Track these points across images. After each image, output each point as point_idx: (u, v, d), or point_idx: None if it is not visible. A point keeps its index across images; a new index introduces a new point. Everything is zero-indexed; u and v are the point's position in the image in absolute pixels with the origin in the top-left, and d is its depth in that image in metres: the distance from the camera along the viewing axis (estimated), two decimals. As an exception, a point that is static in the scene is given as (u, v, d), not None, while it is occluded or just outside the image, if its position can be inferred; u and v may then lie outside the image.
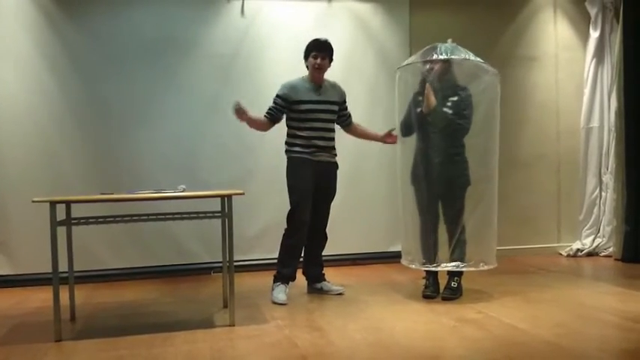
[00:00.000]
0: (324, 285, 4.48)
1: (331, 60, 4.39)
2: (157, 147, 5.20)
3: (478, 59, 4.12)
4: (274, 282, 4.33)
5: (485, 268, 4.14)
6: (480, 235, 4.18)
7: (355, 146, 5.57)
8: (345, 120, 4.53)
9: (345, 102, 4.50)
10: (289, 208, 4.29)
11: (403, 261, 4.37)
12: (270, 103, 4.31)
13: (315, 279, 4.49)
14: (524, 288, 4.46)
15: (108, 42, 5.13)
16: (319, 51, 4.30)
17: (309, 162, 4.28)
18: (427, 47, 4.18)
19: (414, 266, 4.20)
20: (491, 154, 4.24)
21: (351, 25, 5.62)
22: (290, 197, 4.29)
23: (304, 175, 4.26)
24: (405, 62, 4.36)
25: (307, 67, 4.36)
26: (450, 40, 4.18)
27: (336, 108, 4.41)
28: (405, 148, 4.35)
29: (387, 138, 4.54)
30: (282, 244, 4.34)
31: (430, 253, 4.18)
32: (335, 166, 4.46)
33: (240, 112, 4.08)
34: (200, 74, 5.28)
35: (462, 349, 3.07)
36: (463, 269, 4.11)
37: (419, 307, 3.98)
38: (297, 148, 4.30)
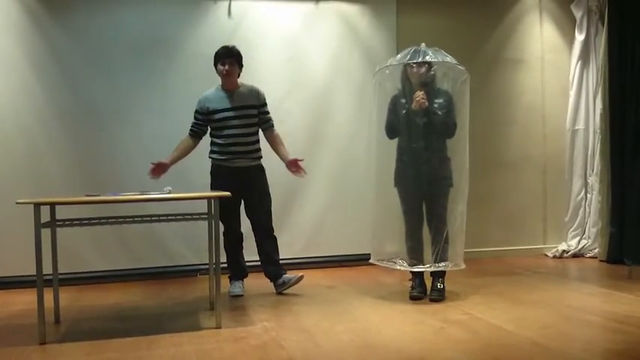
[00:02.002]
0: (285, 278, 4.47)
1: (240, 66, 4.42)
2: (142, 148, 5.15)
3: (448, 59, 4.14)
4: (230, 282, 4.52)
5: (456, 268, 4.19)
6: (455, 235, 4.20)
7: (342, 148, 5.59)
8: (264, 124, 4.51)
9: (264, 105, 4.49)
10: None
11: (373, 260, 4.41)
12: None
13: (275, 276, 4.49)
14: (510, 289, 4.48)
15: (93, 41, 5.09)
16: (226, 57, 4.35)
17: (226, 169, 4.36)
18: (406, 50, 4.19)
19: (399, 267, 4.22)
20: (461, 155, 4.24)
21: (338, 27, 5.61)
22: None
23: (221, 183, 4.25)
24: (384, 65, 4.34)
25: (219, 74, 4.41)
26: (423, 45, 4.19)
27: (254, 112, 4.43)
28: (383, 151, 4.35)
29: (292, 166, 4.50)
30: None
31: (417, 255, 4.20)
32: (258, 168, 4.47)
33: (158, 169, 4.29)
34: (186, 75, 5.24)
35: (449, 351, 3.08)
36: (446, 269, 4.13)
37: (406, 308, 3.98)
38: (214, 155, 4.42)
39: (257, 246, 4.50)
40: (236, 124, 4.36)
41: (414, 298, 4.18)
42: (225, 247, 4.46)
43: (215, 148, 4.40)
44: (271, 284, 4.50)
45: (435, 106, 4.11)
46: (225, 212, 4.24)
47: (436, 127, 4.10)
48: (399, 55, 4.27)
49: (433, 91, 4.15)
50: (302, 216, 5.46)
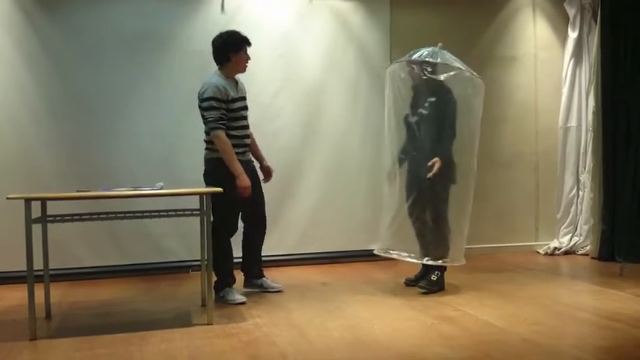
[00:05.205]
0: (264, 282, 4.40)
1: None
2: (134, 143, 5.14)
3: (462, 67, 4.17)
4: (225, 289, 4.13)
5: (457, 264, 4.25)
6: (456, 232, 4.26)
7: (335, 144, 5.58)
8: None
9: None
10: (218, 216, 3.95)
11: (376, 251, 4.49)
12: (211, 112, 3.98)
13: (254, 275, 4.40)
14: (502, 286, 4.49)
15: (86, 36, 5.05)
16: (249, 45, 4.15)
17: (242, 164, 4.07)
18: (420, 52, 4.21)
19: (395, 256, 4.31)
20: (468, 156, 4.30)
21: (331, 23, 5.59)
22: (220, 205, 3.86)
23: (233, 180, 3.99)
24: (398, 60, 4.39)
25: (228, 61, 4.10)
26: (440, 45, 4.22)
27: (247, 103, 4.25)
28: (392, 147, 4.42)
29: (264, 171, 4.40)
30: (217, 252, 3.91)
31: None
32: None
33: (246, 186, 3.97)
34: (179, 70, 5.22)
35: (440, 347, 3.08)
36: (440, 264, 4.19)
37: (397, 304, 3.99)
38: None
39: (249, 240, 4.35)
40: (245, 114, 4.18)
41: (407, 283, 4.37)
42: (226, 250, 4.10)
43: (231, 141, 4.02)
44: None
45: (426, 104, 4.16)
46: (236, 211, 4.11)
47: (425, 128, 4.15)
48: (406, 56, 4.33)
49: (427, 89, 4.18)
50: (295, 212, 5.45)
